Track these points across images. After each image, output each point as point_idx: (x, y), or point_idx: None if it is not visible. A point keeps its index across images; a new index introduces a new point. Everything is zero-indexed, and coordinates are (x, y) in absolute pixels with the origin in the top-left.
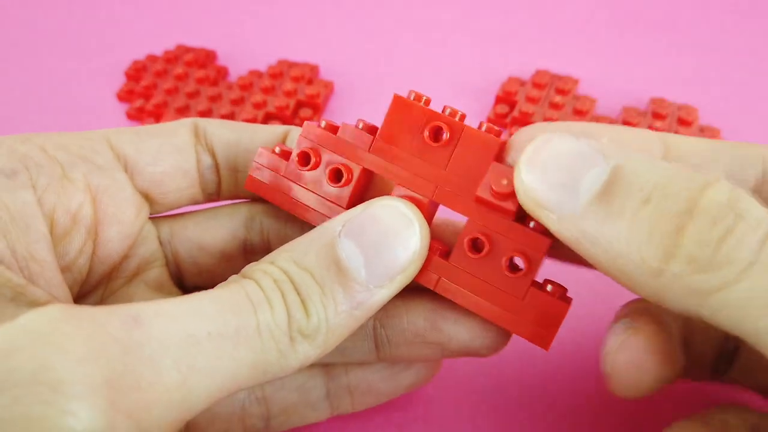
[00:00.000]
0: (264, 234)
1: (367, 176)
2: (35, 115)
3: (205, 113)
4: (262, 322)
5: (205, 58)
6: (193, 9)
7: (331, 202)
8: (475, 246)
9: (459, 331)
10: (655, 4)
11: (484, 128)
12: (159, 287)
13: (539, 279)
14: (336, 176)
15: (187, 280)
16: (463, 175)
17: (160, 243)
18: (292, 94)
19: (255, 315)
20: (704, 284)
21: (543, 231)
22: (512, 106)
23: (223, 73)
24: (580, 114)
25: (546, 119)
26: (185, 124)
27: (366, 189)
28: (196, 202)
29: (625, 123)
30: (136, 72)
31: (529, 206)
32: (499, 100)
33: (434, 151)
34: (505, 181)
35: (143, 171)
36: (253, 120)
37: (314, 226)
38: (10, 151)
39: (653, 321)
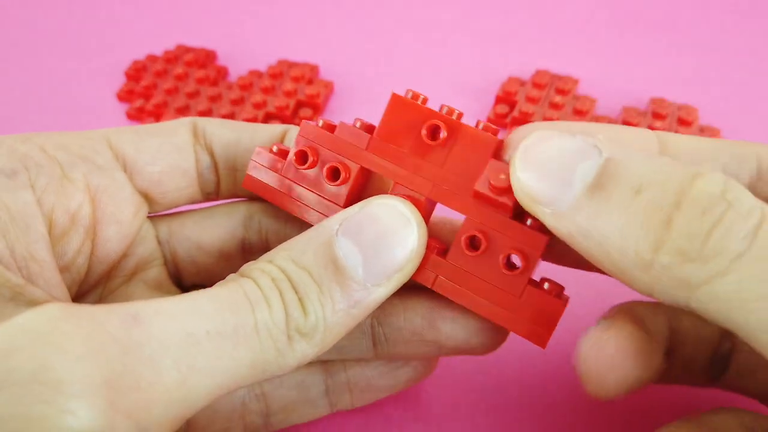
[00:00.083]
0: (262, 233)
1: (365, 175)
2: (35, 115)
3: (205, 113)
4: (260, 321)
5: (205, 58)
6: (193, 9)
7: (329, 200)
8: (473, 244)
9: (456, 329)
10: (655, 4)
11: (481, 127)
12: (158, 286)
13: (536, 277)
14: (333, 175)
15: (185, 279)
16: (460, 173)
17: (159, 242)
18: (292, 94)
19: (253, 314)
20: (693, 276)
21: (540, 228)
22: (512, 106)
23: (223, 73)
24: (580, 114)
25: (546, 119)
26: (184, 123)
27: (363, 187)
28: (195, 202)
29: (625, 123)
30: (136, 72)
31: (525, 201)
32: (499, 100)
33: (432, 150)
34: (503, 176)
35: (142, 170)
36: (253, 120)
37: (312, 225)
38: (10, 151)
39: (630, 321)
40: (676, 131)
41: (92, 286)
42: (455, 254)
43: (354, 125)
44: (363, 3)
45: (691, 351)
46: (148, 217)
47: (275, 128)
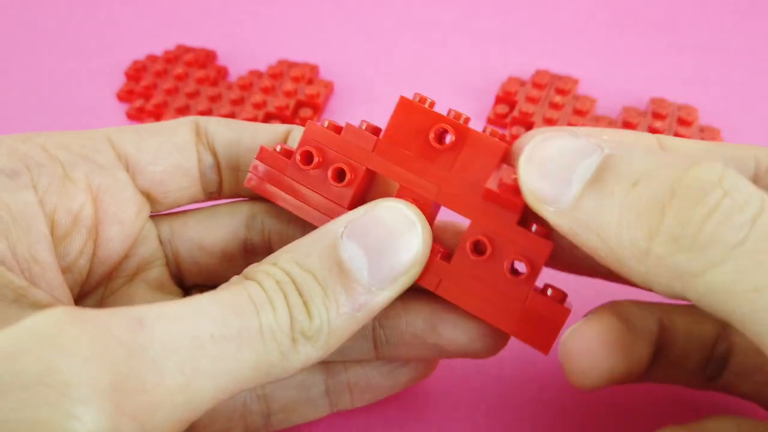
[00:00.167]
0: (265, 233)
1: (370, 177)
2: (35, 115)
3: (205, 113)
4: (264, 324)
5: (205, 58)
6: (193, 9)
7: (333, 201)
8: (477, 249)
9: (457, 333)
10: (655, 4)
11: (488, 131)
12: (159, 287)
13: (540, 283)
14: (339, 176)
15: (187, 279)
16: (466, 177)
17: (161, 242)
18: (292, 94)
19: (257, 316)
20: (688, 265)
21: (545, 235)
22: (512, 106)
23: (223, 73)
24: (580, 114)
25: (546, 119)
26: (186, 122)
27: (368, 189)
28: (197, 201)
29: (625, 123)
30: (136, 72)
31: (531, 201)
32: (499, 100)
33: (438, 154)
34: (514, 176)
35: (144, 170)
36: (253, 120)
37: (315, 226)
38: (11, 151)
39: (612, 314)
40: (676, 131)
41: (94, 287)
42: (460, 258)
43: (360, 127)
44: (363, 3)
45: (683, 349)
46: (150, 216)
47: (278, 128)
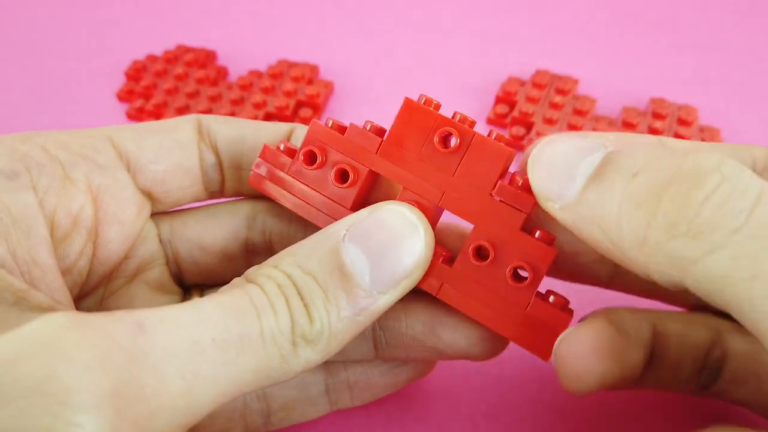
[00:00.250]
0: (266, 233)
1: (373, 178)
2: (35, 115)
3: (205, 113)
4: (265, 328)
5: (205, 58)
6: (193, 9)
7: (336, 202)
8: (480, 253)
9: (457, 337)
10: (655, 4)
11: (494, 136)
12: (160, 287)
13: (542, 289)
14: (342, 177)
15: (187, 279)
16: (471, 181)
17: (161, 242)
18: (292, 94)
19: (259, 321)
20: (685, 251)
21: (549, 242)
22: (512, 106)
23: (223, 73)
24: (580, 114)
25: (546, 119)
26: (188, 120)
27: (371, 191)
28: (199, 200)
29: (625, 123)
30: (136, 72)
31: (540, 200)
32: (499, 100)
33: (443, 157)
34: (526, 176)
35: (145, 169)
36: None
37: (317, 226)
38: (10, 151)
39: (605, 320)
40: (676, 131)
41: (93, 288)
42: (462, 263)
43: (364, 128)
44: (363, 3)
45: (677, 355)
46: (150, 215)
47: (281, 126)
